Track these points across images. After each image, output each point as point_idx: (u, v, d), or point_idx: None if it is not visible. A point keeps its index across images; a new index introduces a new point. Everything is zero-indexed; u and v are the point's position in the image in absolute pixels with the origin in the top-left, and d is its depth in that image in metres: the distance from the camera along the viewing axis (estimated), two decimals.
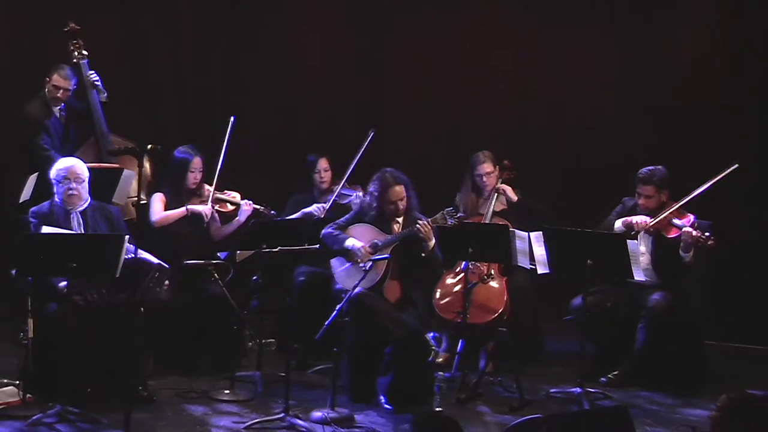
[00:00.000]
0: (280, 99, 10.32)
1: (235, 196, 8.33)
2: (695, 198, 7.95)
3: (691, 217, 7.89)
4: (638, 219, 8.00)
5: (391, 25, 10.49)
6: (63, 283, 7.03)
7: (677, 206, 7.91)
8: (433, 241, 7.59)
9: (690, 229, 7.77)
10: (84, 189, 7.36)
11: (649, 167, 8.09)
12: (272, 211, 8.33)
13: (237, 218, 8.25)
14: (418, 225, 7.54)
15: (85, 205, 7.37)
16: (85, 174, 7.39)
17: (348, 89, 10.42)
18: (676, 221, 7.88)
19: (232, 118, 8.34)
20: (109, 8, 9.96)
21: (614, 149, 10.01)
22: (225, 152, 8.26)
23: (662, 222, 7.91)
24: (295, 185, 8.77)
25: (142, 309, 7.06)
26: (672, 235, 7.90)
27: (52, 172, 7.38)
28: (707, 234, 7.71)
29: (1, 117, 9.42)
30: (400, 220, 7.69)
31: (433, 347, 7.27)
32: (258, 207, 8.26)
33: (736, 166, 7.98)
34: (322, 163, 8.63)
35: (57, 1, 9.71)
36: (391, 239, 7.64)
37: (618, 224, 8.06)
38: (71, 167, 7.37)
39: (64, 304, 7.00)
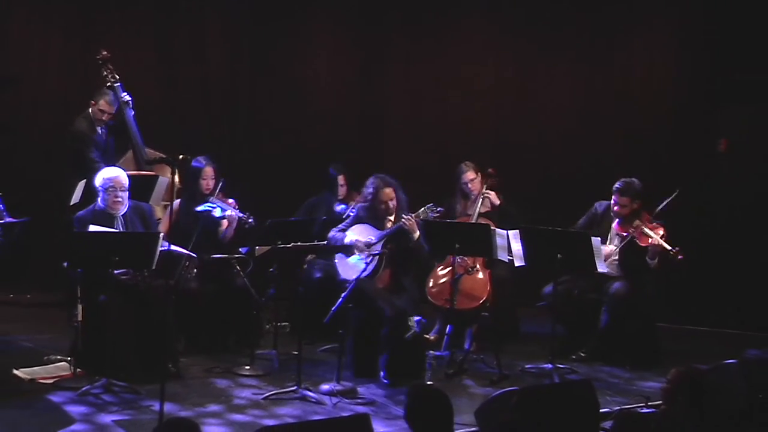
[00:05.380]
0: (292, 114, 10.33)
1: (232, 203, 8.11)
2: (660, 211, 7.98)
3: (661, 230, 7.86)
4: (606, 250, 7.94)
5: (388, 51, 10.52)
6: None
7: (647, 224, 7.89)
8: (418, 233, 7.57)
9: (661, 242, 7.74)
10: (126, 196, 7.29)
11: (625, 179, 8.05)
12: (250, 219, 8.00)
13: (231, 225, 8.04)
14: (403, 219, 7.56)
15: (125, 209, 7.32)
16: (127, 182, 7.30)
17: (351, 106, 10.45)
18: (647, 231, 7.85)
19: (221, 181, 8.06)
20: (147, 39, 9.97)
21: (582, 159, 10.06)
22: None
23: (636, 231, 7.89)
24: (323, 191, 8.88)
25: (174, 297, 7.10)
26: (643, 243, 7.89)
27: (98, 181, 7.29)
28: (677, 248, 7.68)
29: (53, 131, 9.51)
30: (392, 218, 7.69)
31: (413, 326, 7.28)
32: (242, 215, 8.01)
33: (677, 192, 7.99)
34: (340, 180, 8.80)
35: (101, 30, 9.77)
36: (383, 234, 7.64)
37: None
38: (116, 177, 7.27)
39: (111, 294, 7.01)
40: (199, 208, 7.90)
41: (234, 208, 8.02)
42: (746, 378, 5.64)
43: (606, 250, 7.89)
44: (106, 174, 7.34)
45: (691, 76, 10.01)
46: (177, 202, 7.90)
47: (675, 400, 4.60)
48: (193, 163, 8.15)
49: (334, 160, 8.97)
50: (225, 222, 8.00)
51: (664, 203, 7.99)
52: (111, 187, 7.23)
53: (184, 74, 10.12)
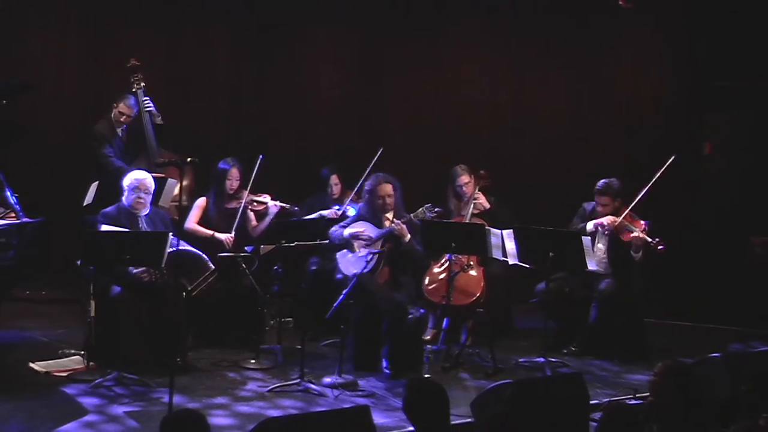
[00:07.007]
0: (293, 118, 10.32)
1: (267, 197, 8.35)
2: (644, 197, 7.93)
3: (643, 224, 7.90)
4: (606, 220, 8.03)
5: (387, 56, 10.51)
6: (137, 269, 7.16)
7: (628, 211, 7.92)
8: (408, 236, 7.56)
9: (642, 235, 7.79)
10: (149, 199, 7.42)
11: (604, 180, 8.09)
12: (296, 207, 8.38)
13: (268, 216, 8.27)
14: (392, 225, 7.59)
15: (148, 211, 7.42)
16: (152, 187, 7.46)
17: (350, 110, 10.45)
18: (630, 226, 7.90)
19: (261, 157, 8.15)
20: (155, 42, 9.99)
21: (575, 162, 10.08)
22: (254, 179, 8.17)
23: (621, 225, 7.96)
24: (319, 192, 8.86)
25: (184, 294, 7.11)
26: (626, 238, 7.93)
27: (126, 180, 7.41)
28: (657, 239, 7.74)
29: (67, 134, 9.52)
30: (390, 216, 7.68)
31: (412, 313, 7.31)
32: (284, 205, 8.32)
33: (673, 158, 8.00)
34: (333, 179, 8.75)
35: (116, 40, 9.79)
36: (380, 234, 7.64)
37: (590, 226, 8.05)
38: (144, 180, 7.41)
39: (125, 289, 7.05)
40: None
41: (272, 200, 8.25)
42: (730, 371, 5.66)
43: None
44: (135, 175, 7.47)
45: (678, 83, 10.06)
46: (203, 199, 8.16)
47: (662, 392, 4.61)
48: (220, 165, 8.27)
49: (329, 163, 8.97)
50: (252, 217, 8.18)
51: (654, 179, 7.97)
52: (136, 187, 7.37)
53: (190, 77, 10.12)
